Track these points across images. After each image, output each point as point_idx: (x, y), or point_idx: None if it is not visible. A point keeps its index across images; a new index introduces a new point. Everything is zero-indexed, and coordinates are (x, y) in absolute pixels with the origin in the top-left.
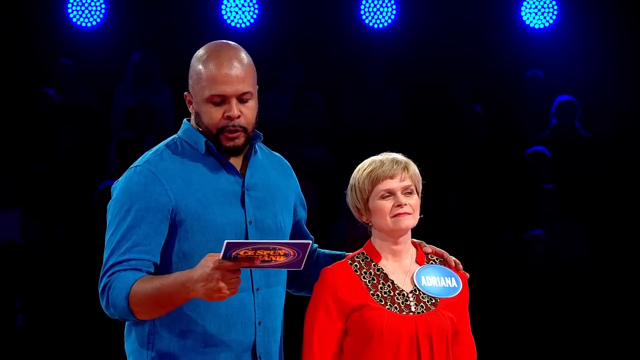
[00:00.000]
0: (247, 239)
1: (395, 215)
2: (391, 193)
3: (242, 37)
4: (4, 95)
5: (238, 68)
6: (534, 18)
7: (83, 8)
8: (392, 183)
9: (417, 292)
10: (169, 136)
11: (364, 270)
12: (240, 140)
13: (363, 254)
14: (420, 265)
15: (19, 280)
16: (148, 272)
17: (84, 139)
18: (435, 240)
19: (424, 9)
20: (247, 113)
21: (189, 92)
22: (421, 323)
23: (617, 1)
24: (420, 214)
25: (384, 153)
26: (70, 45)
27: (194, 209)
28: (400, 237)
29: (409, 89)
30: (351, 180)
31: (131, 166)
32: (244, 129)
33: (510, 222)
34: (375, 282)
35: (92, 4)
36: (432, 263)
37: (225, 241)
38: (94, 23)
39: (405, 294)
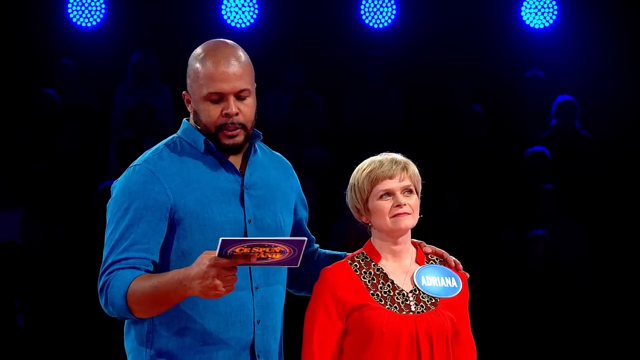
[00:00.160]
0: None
1: (394, 216)
2: (390, 193)
3: (242, 37)
4: (4, 95)
5: (235, 65)
6: (534, 18)
7: (83, 8)
8: (391, 183)
9: (417, 292)
10: (169, 136)
11: (364, 270)
12: (240, 138)
13: (363, 254)
14: (420, 265)
15: (19, 280)
16: (147, 271)
17: (84, 139)
18: (435, 240)
19: (424, 9)
20: (245, 110)
21: (187, 92)
22: (421, 323)
23: (617, 1)
24: (420, 214)
25: (384, 153)
26: (70, 45)
27: (192, 208)
28: (399, 237)
29: (409, 89)
30: (351, 181)
31: (131, 165)
32: (243, 127)
33: (510, 222)
34: (375, 281)
35: (92, 4)
36: (432, 263)
37: (220, 238)
38: (94, 23)
39: (405, 294)
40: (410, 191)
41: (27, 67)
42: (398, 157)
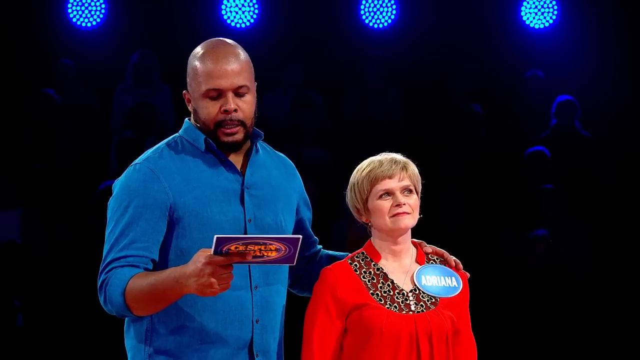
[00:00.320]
0: None
1: (394, 215)
2: (390, 193)
3: (242, 37)
4: (4, 95)
5: (233, 62)
6: (534, 18)
7: (83, 8)
8: (390, 183)
9: (417, 292)
10: (169, 136)
11: (364, 269)
12: (239, 135)
13: (363, 253)
14: (421, 265)
15: (19, 280)
16: (146, 269)
17: (84, 139)
18: (435, 240)
19: (424, 9)
20: (244, 107)
21: (187, 91)
22: (421, 322)
23: (617, 1)
24: (420, 214)
25: (383, 153)
26: (70, 45)
27: (192, 207)
28: (399, 237)
29: (409, 89)
30: (350, 181)
31: (132, 164)
32: (242, 124)
33: (510, 222)
34: (375, 281)
35: (92, 4)
36: (432, 263)
37: (215, 236)
38: (94, 23)
39: (405, 293)
40: (410, 191)
41: (27, 67)
42: (398, 157)
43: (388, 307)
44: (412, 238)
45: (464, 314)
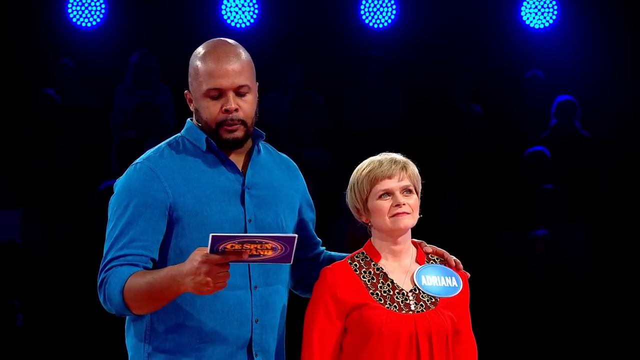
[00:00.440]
0: None
1: (394, 215)
2: (390, 193)
3: (242, 37)
4: (4, 95)
5: (234, 62)
6: (534, 18)
7: (83, 8)
8: (390, 183)
9: (417, 291)
10: (169, 136)
11: (364, 269)
12: (240, 133)
13: (363, 253)
14: (421, 265)
15: (19, 280)
16: (145, 268)
17: (84, 139)
18: (435, 240)
19: (424, 9)
20: (245, 107)
21: (189, 91)
22: (421, 322)
23: (617, 1)
24: (420, 214)
25: (383, 153)
26: (70, 45)
27: (191, 206)
28: (399, 237)
29: (409, 89)
30: (350, 181)
31: (133, 163)
32: (243, 123)
33: (510, 222)
34: (374, 281)
35: (92, 4)
36: (432, 263)
37: (211, 235)
38: (94, 23)
39: (405, 293)
40: (410, 191)
41: (27, 67)
42: (397, 157)
43: (388, 307)
44: (412, 238)
45: (464, 314)
